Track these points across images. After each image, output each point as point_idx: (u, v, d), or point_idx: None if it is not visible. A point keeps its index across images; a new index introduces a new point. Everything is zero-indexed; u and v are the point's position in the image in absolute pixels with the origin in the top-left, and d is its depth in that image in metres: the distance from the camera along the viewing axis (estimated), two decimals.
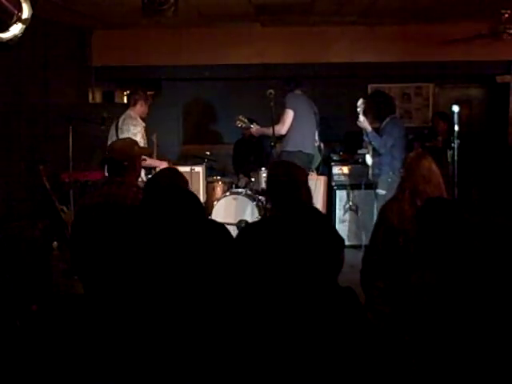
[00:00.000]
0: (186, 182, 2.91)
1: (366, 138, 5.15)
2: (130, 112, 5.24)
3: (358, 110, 5.12)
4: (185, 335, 1.79)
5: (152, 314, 1.82)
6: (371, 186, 5.36)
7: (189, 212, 2.02)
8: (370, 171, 5.22)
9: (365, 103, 5.14)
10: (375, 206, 5.17)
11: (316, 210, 2.60)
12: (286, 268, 2.22)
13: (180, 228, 1.95)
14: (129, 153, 3.00)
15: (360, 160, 6.32)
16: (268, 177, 2.81)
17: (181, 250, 1.91)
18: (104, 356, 1.88)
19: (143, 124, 5.24)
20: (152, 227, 1.98)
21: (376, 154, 5.10)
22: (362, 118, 5.07)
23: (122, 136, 5.01)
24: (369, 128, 5.04)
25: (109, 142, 5.20)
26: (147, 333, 1.80)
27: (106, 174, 3.19)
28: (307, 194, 2.64)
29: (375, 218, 5.01)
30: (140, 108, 5.29)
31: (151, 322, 1.81)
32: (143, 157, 3.44)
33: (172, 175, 2.88)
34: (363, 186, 5.59)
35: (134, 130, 5.06)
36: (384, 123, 5.07)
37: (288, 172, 2.71)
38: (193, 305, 1.84)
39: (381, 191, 4.96)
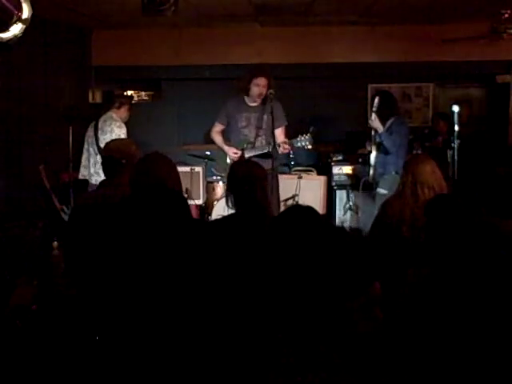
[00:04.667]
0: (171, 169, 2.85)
1: (377, 138, 5.08)
2: (113, 114, 5.08)
3: (374, 108, 5.06)
4: (175, 334, 1.80)
5: (142, 314, 1.82)
6: (370, 186, 5.33)
7: (173, 212, 2.02)
8: (372, 171, 5.16)
9: (379, 102, 5.08)
10: (375, 205, 5.15)
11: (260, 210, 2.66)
12: (239, 265, 2.25)
13: (166, 227, 1.96)
14: (127, 151, 2.98)
15: (360, 160, 6.32)
16: (228, 174, 2.90)
17: (167, 249, 1.92)
18: (101, 355, 1.88)
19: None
20: (137, 227, 1.99)
21: (380, 153, 5.06)
22: (374, 116, 5.02)
23: (103, 137, 4.87)
24: (380, 128, 4.97)
25: (85, 145, 5.14)
26: (140, 333, 1.81)
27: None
28: (262, 191, 2.69)
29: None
30: (124, 112, 5.14)
31: (142, 321, 1.82)
32: None
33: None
34: (361, 187, 5.55)
35: (119, 132, 4.88)
36: (389, 122, 5.03)
37: (244, 169, 2.78)
38: (184, 304, 1.84)
39: (382, 190, 4.93)
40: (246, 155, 4.86)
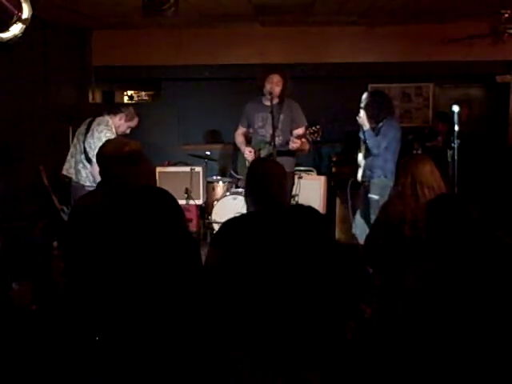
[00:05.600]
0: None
1: (361, 136, 5.05)
2: (109, 119, 4.88)
3: (362, 104, 5.01)
4: (170, 334, 1.80)
5: (139, 311, 1.83)
6: (358, 186, 5.29)
7: (164, 214, 2.03)
8: (360, 172, 5.11)
9: (368, 99, 5.03)
10: (369, 210, 5.13)
11: (281, 205, 2.65)
12: (261, 263, 2.25)
13: (160, 229, 1.97)
14: (119, 154, 2.96)
15: None
16: (247, 172, 2.86)
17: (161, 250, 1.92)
18: (98, 354, 1.88)
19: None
20: (130, 229, 2.00)
21: (369, 154, 5.02)
22: (362, 113, 4.95)
23: (90, 140, 4.73)
24: (367, 125, 4.91)
25: (75, 139, 4.97)
26: (136, 331, 1.81)
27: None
28: (279, 188, 2.67)
29: (370, 220, 5.01)
30: (118, 121, 4.93)
31: (139, 318, 1.82)
32: None
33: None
34: (349, 187, 5.50)
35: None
36: (380, 124, 5.00)
37: (262, 167, 2.76)
38: (180, 304, 1.84)
39: (374, 196, 4.91)
40: (262, 154, 4.85)
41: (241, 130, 5.18)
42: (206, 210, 6.22)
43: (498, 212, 5.12)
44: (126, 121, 4.98)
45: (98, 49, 7.00)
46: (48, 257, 4.17)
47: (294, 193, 5.61)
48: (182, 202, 5.88)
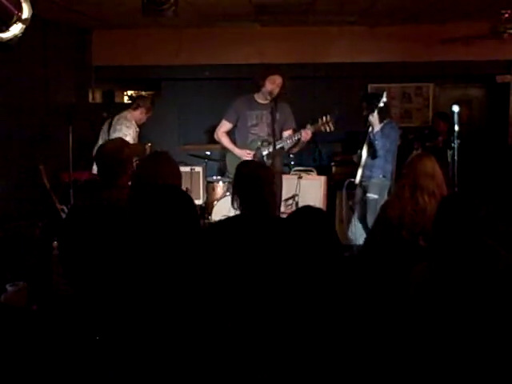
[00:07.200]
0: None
1: (371, 136, 4.99)
2: (128, 114, 5.28)
3: (381, 104, 4.89)
4: (172, 334, 1.80)
5: (140, 314, 1.82)
6: (354, 186, 5.27)
7: (180, 214, 2.01)
8: (360, 172, 5.08)
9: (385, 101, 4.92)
10: (368, 210, 5.11)
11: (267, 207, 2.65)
12: (248, 265, 2.25)
13: (171, 230, 1.95)
14: (119, 157, 2.95)
15: None
16: (234, 174, 2.86)
17: (171, 252, 1.91)
18: (100, 355, 1.88)
19: (137, 128, 5.25)
20: (142, 229, 1.98)
21: (369, 155, 5.01)
22: (376, 112, 4.88)
23: (113, 135, 5.06)
24: (378, 126, 4.90)
25: (99, 140, 5.31)
26: (136, 332, 1.81)
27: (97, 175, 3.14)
28: (269, 192, 2.69)
29: (368, 222, 5.00)
30: (139, 115, 5.33)
31: (140, 321, 1.82)
32: None
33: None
34: (345, 187, 5.48)
35: (126, 132, 5.07)
36: (381, 125, 4.99)
37: (252, 170, 2.77)
38: (181, 305, 1.84)
39: (372, 196, 4.91)
40: (264, 153, 4.79)
41: (225, 127, 5.02)
42: (206, 209, 6.21)
43: (497, 212, 5.12)
44: (146, 113, 5.40)
45: (98, 49, 7.00)
46: (48, 257, 4.17)
47: (294, 193, 5.62)
48: None
